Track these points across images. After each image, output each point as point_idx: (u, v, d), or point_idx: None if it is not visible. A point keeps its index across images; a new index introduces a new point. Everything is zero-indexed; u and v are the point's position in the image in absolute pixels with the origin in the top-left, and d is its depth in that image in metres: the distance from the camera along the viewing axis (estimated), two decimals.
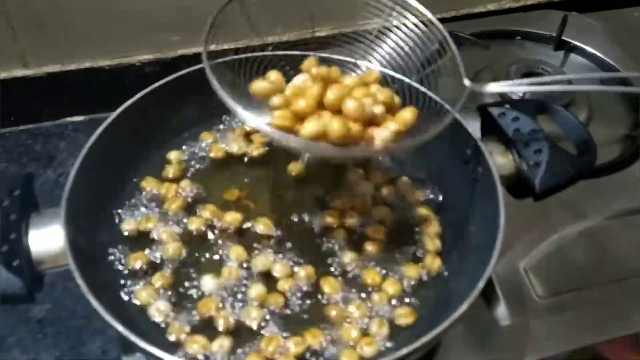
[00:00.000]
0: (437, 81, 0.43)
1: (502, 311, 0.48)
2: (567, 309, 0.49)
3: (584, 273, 0.51)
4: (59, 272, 0.57)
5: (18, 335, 0.55)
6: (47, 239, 0.37)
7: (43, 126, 0.72)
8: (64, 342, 0.54)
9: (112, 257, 0.41)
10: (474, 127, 0.45)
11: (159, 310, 0.39)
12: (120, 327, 0.33)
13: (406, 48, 0.43)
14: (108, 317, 0.33)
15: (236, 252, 0.41)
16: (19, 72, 0.69)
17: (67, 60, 0.69)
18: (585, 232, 0.54)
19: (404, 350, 0.33)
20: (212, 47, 0.74)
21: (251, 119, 0.35)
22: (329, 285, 0.40)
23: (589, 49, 0.70)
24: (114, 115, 0.43)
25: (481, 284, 0.35)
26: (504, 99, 0.60)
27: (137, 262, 0.41)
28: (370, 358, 0.37)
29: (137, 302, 0.39)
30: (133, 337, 0.32)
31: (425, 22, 0.42)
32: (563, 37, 0.71)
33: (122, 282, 0.40)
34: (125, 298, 0.39)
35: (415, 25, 0.43)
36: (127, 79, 0.72)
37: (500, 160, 0.44)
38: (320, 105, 0.38)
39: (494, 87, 0.41)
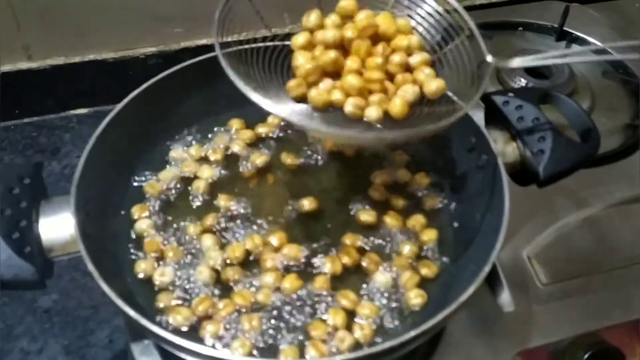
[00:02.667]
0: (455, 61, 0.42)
1: (505, 298, 0.48)
2: (570, 296, 0.50)
3: (587, 260, 0.52)
4: (65, 263, 0.58)
5: (26, 324, 0.56)
6: (57, 226, 0.38)
7: (47, 119, 0.72)
8: (72, 331, 0.55)
9: (122, 244, 0.42)
10: (478, 116, 0.46)
11: (167, 296, 0.39)
12: (131, 312, 0.33)
13: (420, 29, 0.43)
14: (119, 301, 0.33)
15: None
16: (24, 65, 0.69)
17: (71, 53, 0.70)
18: (588, 220, 0.54)
19: (412, 333, 0.33)
20: (220, 39, 0.74)
21: (270, 106, 0.35)
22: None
23: (590, 39, 0.71)
24: (122, 104, 0.44)
25: (487, 268, 0.36)
26: (507, 88, 0.61)
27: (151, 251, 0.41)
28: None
29: (147, 286, 0.40)
30: (144, 321, 0.33)
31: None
32: (565, 28, 0.71)
33: (132, 269, 0.41)
34: (135, 285, 0.40)
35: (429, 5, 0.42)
36: (131, 71, 0.72)
37: (504, 148, 0.44)
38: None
39: (518, 62, 0.40)
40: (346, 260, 0.41)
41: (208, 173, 0.46)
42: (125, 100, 0.44)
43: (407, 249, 0.42)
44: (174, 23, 0.71)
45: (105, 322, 0.56)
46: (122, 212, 0.44)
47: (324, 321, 0.38)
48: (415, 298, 0.39)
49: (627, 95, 0.65)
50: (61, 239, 0.37)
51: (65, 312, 0.56)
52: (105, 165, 0.42)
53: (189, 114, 0.49)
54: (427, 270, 0.41)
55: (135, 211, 0.43)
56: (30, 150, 0.70)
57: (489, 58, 0.40)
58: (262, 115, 0.50)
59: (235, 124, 0.50)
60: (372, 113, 0.38)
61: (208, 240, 0.41)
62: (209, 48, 0.49)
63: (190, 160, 0.47)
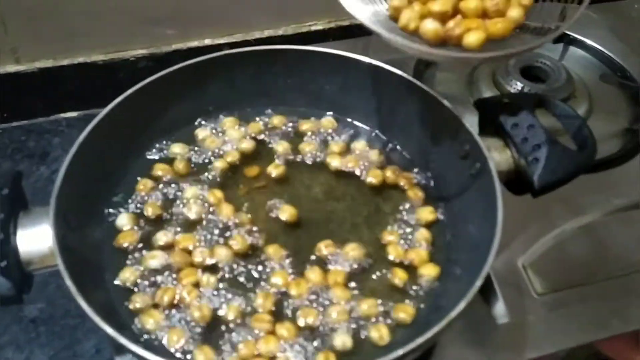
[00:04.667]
0: None
1: (500, 309, 0.47)
2: (566, 306, 0.49)
3: (584, 269, 0.51)
4: (52, 272, 0.57)
5: (11, 334, 0.54)
6: (35, 239, 0.37)
7: (36, 122, 0.71)
8: (58, 341, 0.54)
9: (103, 257, 0.40)
10: (471, 122, 0.45)
11: (149, 313, 0.38)
12: (109, 330, 0.32)
13: None
14: (97, 319, 0.32)
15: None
16: (11, 68, 0.68)
17: (60, 56, 0.69)
18: (584, 228, 0.53)
19: (400, 352, 0.32)
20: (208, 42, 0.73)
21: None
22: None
23: (588, 41, 0.69)
24: (105, 111, 0.43)
25: (479, 283, 0.35)
26: (502, 92, 0.60)
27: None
28: None
29: (130, 305, 0.39)
30: (123, 340, 0.32)
31: None
32: None
33: (115, 283, 0.40)
34: (116, 299, 0.39)
35: None
36: (121, 74, 0.71)
37: (498, 156, 0.43)
38: None
39: None
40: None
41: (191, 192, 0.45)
42: (110, 106, 0.43)
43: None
44: (165, 25, 0.70)
45: (92, 332, 0.54)
46: (107, 222, 0.42)
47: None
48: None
49: (625, 99, 0.64)
50: (40, 251, 0.36)
51: (52, 321, 0.55)
52: (89, 173, 0.41)
53: (178, 119, 0.48)
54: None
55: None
56: (18, 154, 0.69)
57: None
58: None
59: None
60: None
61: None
62: (199, 50, 0.48)
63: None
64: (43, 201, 0.40)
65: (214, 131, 0.49)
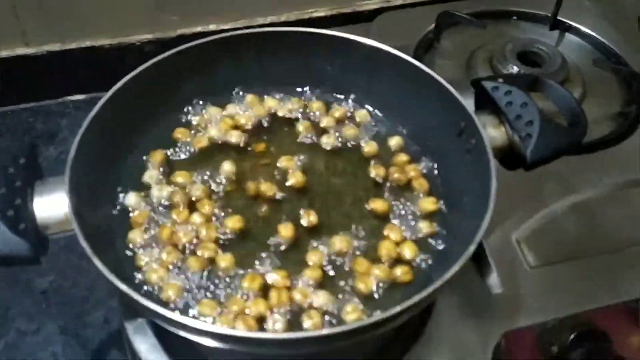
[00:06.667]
0: None
1: (494, 280, 0.49)
2: (557, 279, 0.51)
3: (575, 245, 0.53)
4: (62, 244, 0.59)
5: (22, 306, 0.56)
6: (52, 205, 0.38)
7: (44, 104, 0.73)
8: (68, 312, 0.56)
9: (116, 223, 0.42)
10: (467, 101, 0.46)
11: (159, 275, 0.40)
12: (122, 286, 0.34)
13: None
14: (111, 277, 0.34)
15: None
16: (21, 51, 0.69)
17: (68, 39, 0.70)
18: (576, 206, 0.55)
19: (397, 308, 0.34)
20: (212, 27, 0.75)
21: None
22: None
23: (584, 29, 0.71)
24: (118, 85, 0.44)
25: (472, 247, 0.36)
26: (497, 74, 0.61)
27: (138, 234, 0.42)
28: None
29: (139, 268, 0.40)
30: (136, 296, 0.33)
31: None
32: (558, 17, 0.71)
33: (126, 251, 0.41)
34: (128, 264, 0.41)
35: None
36: (127, 58, 0.72)
37: (493, 132, 0.45)
38: None
39: None
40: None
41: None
42: (122, 82, 0.45)
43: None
44: (170, 11, 0.71)
45: (101, 303, 0.56)
46: (117, 192, 0.44)
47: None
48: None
49: (618, 83, 0.66)
50: (56, 217, 0.38)
51: (61, 293, 0.57)
52: (101, 146, 0.42)
53: (186, 97, 0.50)
54: (411, 252, 0.42)
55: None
56: (27, 136, 0.70)
57: None
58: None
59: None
60: None
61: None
62: (204, 35, 0.50)
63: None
64: (45, 176, 0.41)
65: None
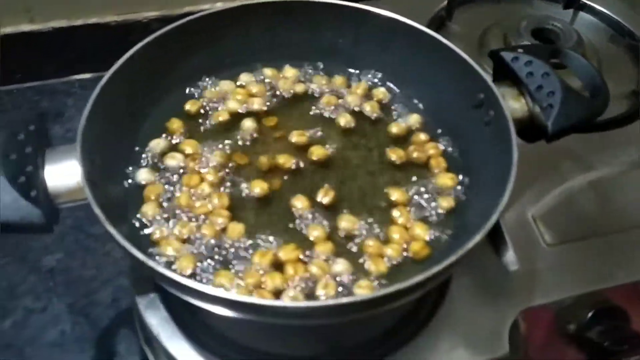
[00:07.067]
0: None
1: (510, 257, 0.48)
2: (574, 257, 0.50)
3: (592, 223, 0.52)
4: (70, 224, 0.58)
5: (29, 284, 0.56)
6: (63, 173, 0.37)
7: (50, 83, 0.72)
8: (75, 290, 0.55)
9: (130, 195, 0.41)
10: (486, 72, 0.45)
11: (173, 247, 0.39)
12: (140, 255, 0.33)
13: None
14: (126, 244, 0.33)
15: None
16: (26, 27, 0.68)
17: (74, 16, 0.69)
18: (593, 184, 0.54)
19: (418, 278, 0.33)
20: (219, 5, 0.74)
21: None
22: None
23: (598, 7, 0.70)
24: (129, 53, 0.43)
25: (494, 217, 0.36)
26: (516, 45, 0.60)
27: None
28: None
29: (153, 242, 0.40)
30: (153, 263, 0.32)
31: None
32: None
33: (137, 224, 0.41)
34: (141, 237, 0.40)
35: None
36: (133, 35, 0.71)
37: (513, 103, 0.44)
38: None
39: None
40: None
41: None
42: (133, 50, 0.44)
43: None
44: None
45: (109, 282, 0.56)
46: (127, 169, 0.43)
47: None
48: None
49: (633, 62, 0.65)
50: (67, 186, 0.37)
51: (69, 271, 0.56)
52: (111, 114, 0.42)
53: (198, 68, 0.49)
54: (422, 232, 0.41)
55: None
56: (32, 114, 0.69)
57: None
58: None
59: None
60: None
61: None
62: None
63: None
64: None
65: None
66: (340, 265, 0.38)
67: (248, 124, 0.46)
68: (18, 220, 0.34)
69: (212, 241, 0.39)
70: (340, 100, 0.49)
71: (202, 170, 0.43)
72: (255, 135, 0.46)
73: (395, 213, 0.42)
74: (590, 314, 0.47)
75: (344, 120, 0.47)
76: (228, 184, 0.43)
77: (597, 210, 0.53)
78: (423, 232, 0.41)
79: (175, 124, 0.46)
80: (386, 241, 0.41)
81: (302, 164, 0.44)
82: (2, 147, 0.35)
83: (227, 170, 0.44)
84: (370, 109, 0.48)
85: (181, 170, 0.43)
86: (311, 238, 0.40)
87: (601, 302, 0.48)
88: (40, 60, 0.71)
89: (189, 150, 0.44)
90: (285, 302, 0.35)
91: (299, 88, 0.49)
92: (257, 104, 0.48)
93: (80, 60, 0.72)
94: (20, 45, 0.68)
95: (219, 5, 0.74)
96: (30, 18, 0.68)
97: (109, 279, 0.56)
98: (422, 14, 0.68)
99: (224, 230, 0.40)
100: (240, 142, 0.45)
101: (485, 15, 0.68)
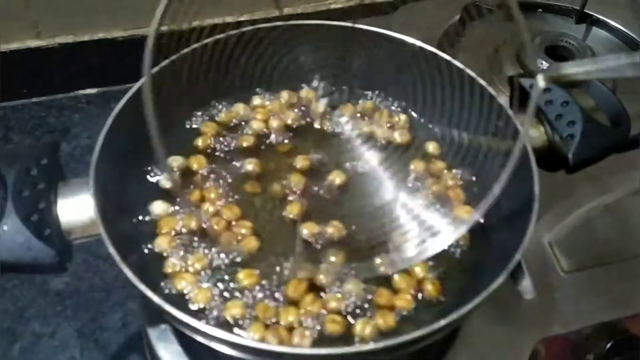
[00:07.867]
0: None
1: (526, 285, 0.48)
2: (592, 284, 0.49)
3: (610, 248, 0.51)
4: (77, 246, 0.58)
5: (37, 307, 0.55)
6: (76, 208, 0.37)
7: (56, 99, 0.71)
8: (84, 314, 0.54)
9: (141, 228, 0.41)
10: (503, 99, 0.44)
11: (187, 281, 0.38)
12: (154, 296, 0.32)
13: None
14: (141, 286, 0.32)
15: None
16: (32, 43, 0.67)
17: (81, 31, 0.68)
18: (610, 207, 0.53)
19: (427, 329, 0.32)
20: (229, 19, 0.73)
21: None
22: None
23: (611, 22, 0.69)
24: (138, 84, 0.42)
25: (512, 265, 0.35)
26: (528, 71, 0.59)
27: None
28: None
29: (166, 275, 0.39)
30: (167, 306, 0.32)
31: None
32: (585, 10, 0.69)
33: (148, 252, 0.40)
34: (154, 269, 0.39)
35: None
36: (141, 50, 0.70)
37: (531, 132, 0.43)
38: None
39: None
40: None
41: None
42: (141, 82, 0.43)
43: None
44: (185, 2, 0.69)
45: (118, 305, 0.55)
46: (142, 199, 0.42)
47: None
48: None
49: None
50: (81, 221, 0.36)
51: (78, 294, 0.56)
52: (124, 146, 0.41)
53: (211, 93, 0.48)
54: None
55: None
56: (39, 130, 0.69)
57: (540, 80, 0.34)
58: None
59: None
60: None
61: None
62: (221, 27, 0.48)
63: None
64: (66, 176, 0.40)
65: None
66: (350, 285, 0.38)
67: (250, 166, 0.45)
68: (31, 261, 0.34)
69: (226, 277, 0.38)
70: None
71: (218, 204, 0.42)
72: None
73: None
74: (608, 345, 0.46)
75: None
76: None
77: (614, 235, 0.52)
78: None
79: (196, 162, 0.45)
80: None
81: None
82: (15, 184, 0.34)
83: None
84: (400, 139, 0.47)
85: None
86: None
87: (620, 332, 0.47)
88: (46, 75, 0.70)
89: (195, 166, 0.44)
90: (304, 349, 0.35)
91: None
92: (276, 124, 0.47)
93: (87, 75, 0.71)
94: (26, 60, 0.68)
95: (228, 19, 0.75)
96: (37, 34, 0.67)
97: (118, 301, 0.55)
98: (433, 30, 0.67)
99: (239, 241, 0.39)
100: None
101: (497, 30, 0.67)
